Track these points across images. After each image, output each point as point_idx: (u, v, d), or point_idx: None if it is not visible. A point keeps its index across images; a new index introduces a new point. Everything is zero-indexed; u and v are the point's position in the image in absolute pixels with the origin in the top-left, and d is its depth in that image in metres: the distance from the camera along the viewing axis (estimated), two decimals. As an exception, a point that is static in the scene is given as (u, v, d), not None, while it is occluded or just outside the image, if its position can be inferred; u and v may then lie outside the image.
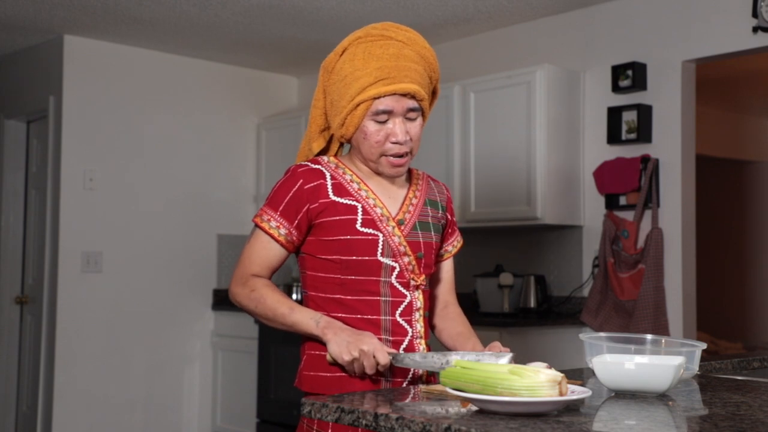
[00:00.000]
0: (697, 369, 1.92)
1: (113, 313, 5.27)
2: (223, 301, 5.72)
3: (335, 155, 2.00)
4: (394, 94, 1.84)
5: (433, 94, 1.98)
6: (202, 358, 5.66)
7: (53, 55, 5.26)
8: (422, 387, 1.69)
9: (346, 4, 4.57)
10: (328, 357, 1.82)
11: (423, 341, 1.93)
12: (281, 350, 5.03)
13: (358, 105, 1.84)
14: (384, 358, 1.74)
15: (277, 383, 5.08)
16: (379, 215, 1.88)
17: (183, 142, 5.65)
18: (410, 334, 1.90)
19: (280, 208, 1.88)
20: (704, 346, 1.89)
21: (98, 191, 5.25)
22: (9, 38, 5.31)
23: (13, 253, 5.65)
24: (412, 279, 1.90)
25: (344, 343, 1.77)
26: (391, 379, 1.87)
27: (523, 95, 4.45)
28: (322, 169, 1.91)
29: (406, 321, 1.90)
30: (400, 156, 1.88)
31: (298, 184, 1.88)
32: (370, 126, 1.86)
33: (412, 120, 1.88)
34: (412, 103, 1.86)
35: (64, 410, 5.05)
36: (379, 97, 1.83)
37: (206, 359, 5.67)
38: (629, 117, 4.36)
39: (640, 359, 1.70)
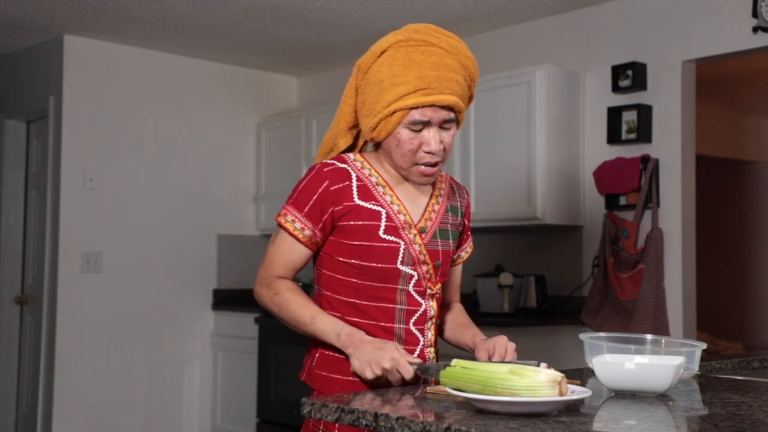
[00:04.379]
0: (697, 369, 1.92)
1: (113, 313, 5.27)
2: (223, 301, 5.72)
3: (360, 152, 1.95)
4: (433, 105, 1.79)
5: (469, 99, 1.92)
6: (202, 358, 5.66)
7: (53, 55, 5.26)
8: (427, 388, 1.69)
9: (346, 4, 4.57)
10: (352, 370, 1.79)
11: (432, 349, 1.91)
12: (281, 350, 5.03)
13: (394, 112, 1.79)
14: (408, 374, 1.72)
15: (277, 383, 5.08)
16: (402, 222, 1.85)
17: (183, 142, 5.65)
18: (422, 342, 1.88)
19: (306, 210, 1.84)
20: (704, 346, 1.89)
21: (98, 191, 5.25)
22: (9, 38, 5.31)
23: (13, 253, 5.64)
24: (429, 288, 1.88)
25: (366, 360, 1.74)
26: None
27: (523, 95, 4.45)
28: (348, 169, 1.86)
29: (418, 330, 1.88)
30: (432, 165, 1.84)
31: (324, 185, 1.84)
32: (404, 134, 1.81)
33: (447, 130, 1.84)
34: (450, 115, 1.81)
35: (64, 410, 5.05)
36: (417, 107, 1.78)
37: (206, 359, 5.66)
38: (629, 117, 4.35)
39: (640, 359, 1.70)
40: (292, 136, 5.67)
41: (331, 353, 1.85)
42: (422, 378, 1.83)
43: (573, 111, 4.55)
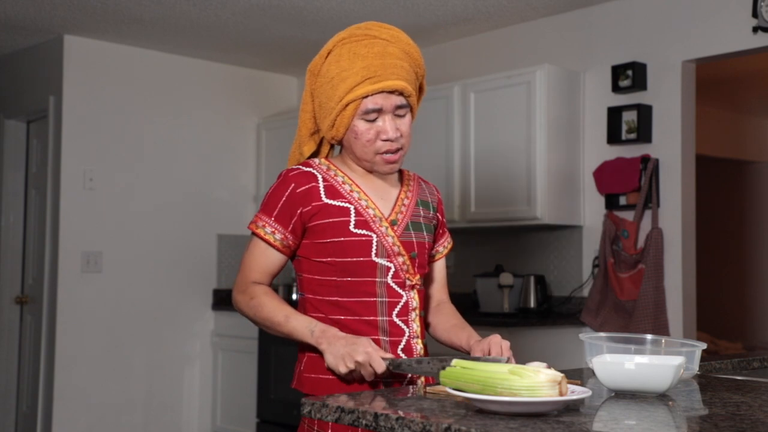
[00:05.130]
0: (697, 369, 1.92)
1: (113, 313, 5.27)
2: (223, 301, 5.71)
3: (326, 157, 2.01)
4: (382, 91, 1.85)
5: (420, 90, 1.99)
6: (202, 358, 5.66)
7: (53, 55, 5.26)
8: (427, 388, 1.69)
9: (346, 4, 4.57)
10: (326, 365, 1.81)
11: (420, 341, 1.93)
12: (281, 350, 5.03)
13: (346, 105, 1.85)
14: (380, 367, 1.73)
15: (277, 383, 5.08)
16: (372, 216, 1.89)
17: (183, 142, 5.65)
18: (407, 333, 1.90)
19: (274, 214, 1.89)
20: (704, 346, 1.89)
21: (98, 191, 5.25)
22: (9, 38, 5.31)
23: (13, 253, 5.64)
24: (408, 279, 1.91)
25: (339, 354, 1.76)
26: (390, 380, 1.87)
27: (523, 95, 4.45)
28: (314, 171, 1.92)
29: (402, 321, 1.90)
30: (393, 152, 1.89)
31: (290, 188, 1.89)
32: (360, 125, 1.87)
33: (401, 117, 1.90)
34: (400, 100, 1.88)
35: (64, 410, 5.05)
36: (367, 96, 1.84)
37: (206, 359, 5.67)
38: (629, 117, 4.36)
39: (640, 359, 1.70)
40: (292, 136, 5.64)
41: (318, 355, 1.86)
42: (394, 374, 1.84)
43: (573, 111, 4.55)
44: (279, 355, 5.06)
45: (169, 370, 5.52)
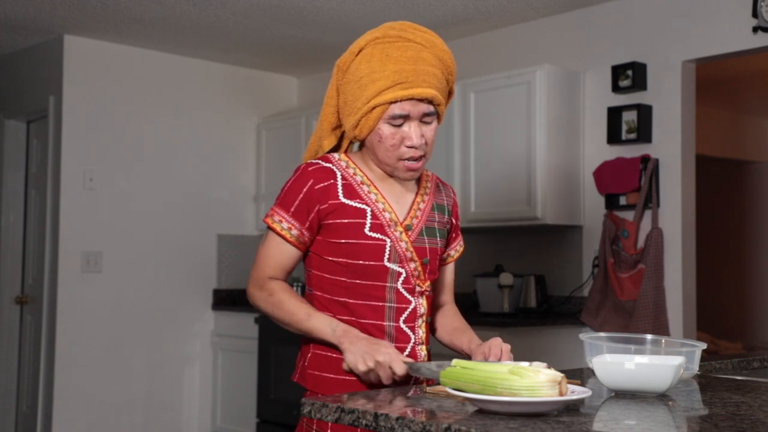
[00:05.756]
0: (697, 369, 1.92)
1: (113, 313, 5.27)
2: (223, 301, 5.72)
3: (345, 152, 1.97)
4: (412, 98, 1.80)
5: (449, 94, 1.94)
6: (202, 358, 5.66)
7: (53, 55, 5.26)
8: (427, 388, 1.69)
9: (346, 4, 4.57)
10: (344, 366, 1.80)
11: (424, 347, 1.92)
12: (281, 350, 5.03)
13: (373, 108, 1.81)
14: (400, 369, 1.73)
15: (277, 383, 5.08)
16: (388, 220, 1.86)
17: (183, 142, 5.65)
18: (413, 340, 1.89)
19: (292, 209, 1.86)
20: (704, 346, 1.89)
21: (98, 191, 5.25)
22: (9, 38, 5.31)
23: (13, 253, 5.64)
24: (418, 285, 1.89)
25: (360, 353, 1.75)
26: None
27: (523, 95, 4.45)
28: (333, 168, 1.88)
29: (409, 327, 1.89)
30: (415, 160, 1.85)
31: (309, 184, 1.85)
32: (385, 129, 1.82)
33: (428, 124, 1.85)
34: (429, 108, 1.83)
35: (64, 410, 5.05)
36: (396, 102, 1.80)
37: (206, 359, 5.67)
38: (629, 117, 4.36)
39: (640, 359, 1.70)
40: (292, 136, 5.67)
41: (323, 353, 1.86)
42: (413, 378, 1.83)
43: (573, 111, 4.55)
44: (279, 355, 5.06)
45: (169, 370, 5.52)
